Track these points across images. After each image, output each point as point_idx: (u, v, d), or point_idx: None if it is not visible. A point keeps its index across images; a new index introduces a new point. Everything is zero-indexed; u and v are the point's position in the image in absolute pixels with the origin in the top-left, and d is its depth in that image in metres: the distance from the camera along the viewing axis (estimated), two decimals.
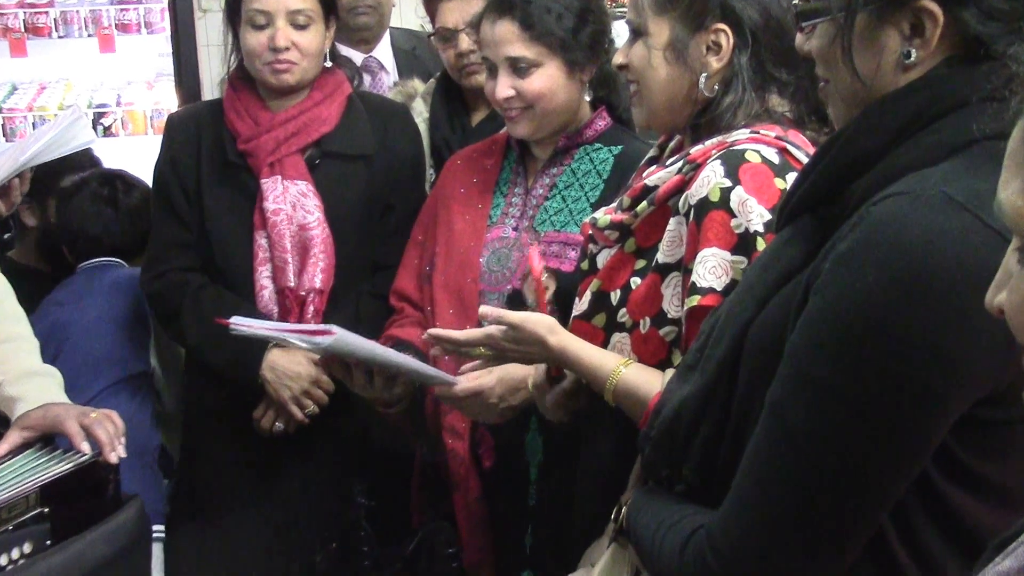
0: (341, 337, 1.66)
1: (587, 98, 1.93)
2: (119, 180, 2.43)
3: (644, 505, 1.14)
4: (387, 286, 2.14)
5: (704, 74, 1.46)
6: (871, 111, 0.98)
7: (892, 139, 0.96)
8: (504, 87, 1.87)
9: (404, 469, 2.09)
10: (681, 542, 1.03)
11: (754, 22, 1.43)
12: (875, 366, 0.89)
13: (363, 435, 2.16)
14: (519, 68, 1.86)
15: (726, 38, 1.45)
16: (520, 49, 1.84)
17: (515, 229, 1.96)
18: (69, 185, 2.41)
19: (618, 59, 1.53)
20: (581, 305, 1.54)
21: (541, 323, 1.50)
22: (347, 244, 2.14)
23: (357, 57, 2.66)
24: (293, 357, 2.09)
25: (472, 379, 1.77)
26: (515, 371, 1.75)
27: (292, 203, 2.11)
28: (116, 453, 1.67)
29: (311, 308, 2.10)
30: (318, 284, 2.10)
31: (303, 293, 2.09)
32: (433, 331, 1.62)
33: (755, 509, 0.96)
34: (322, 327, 1.69)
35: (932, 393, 0.90)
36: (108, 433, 1.67)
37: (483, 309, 1.55)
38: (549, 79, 1.86)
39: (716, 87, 1.47)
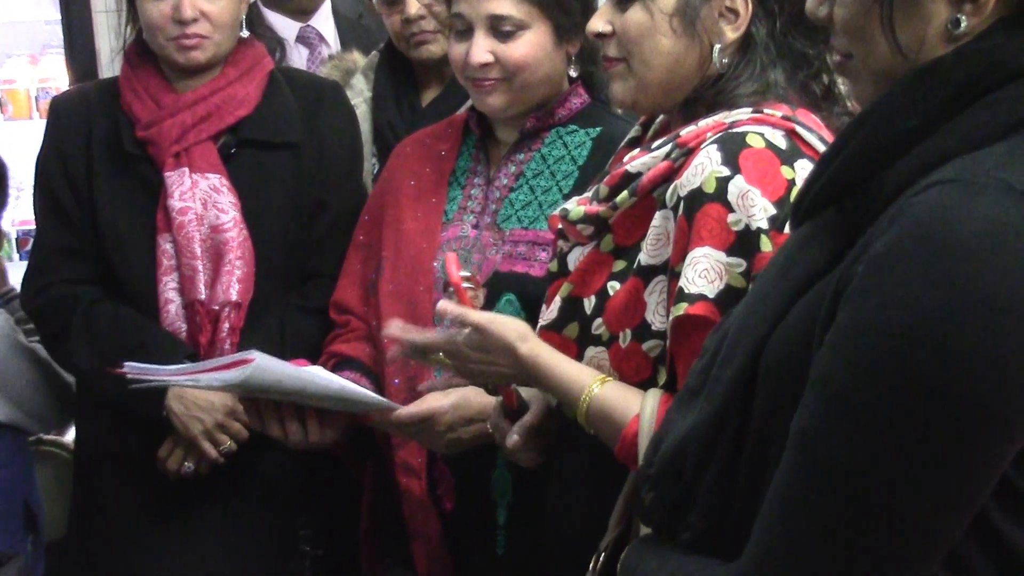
0: (261, 365, 1.63)
1: (572, 73, 1.93)
2: None
3: (644, 560, 1.12)
4: (319, 298, 2.13)
5: (718, 46, 1.46)
6: (911, 83, 0.96)
7: (936, 116, 0.95)
8: (481, 50, 1.85)
9: (357, 507, 2.10)
10: None
11: None
12: (926, 388, 0.88)
13: (303, 467, 2.14)
14: (501, 30, 1.84)
15: (744, 3, 1.45)
16: (507, 6, 1.83)
17: (475, 227, 1.95)
18: None
19: (598, 25, 1.51)
20: (549, 313, 1.54)
21: (511, 327, 1.49)
22: (269, 249, 2.13)
23: (292, 27, 2.66)
24: None
25: (422, 402, 1.76)
26: (473, 400, 1.76)
27: (202, 200, 2.10)
28: None
29: (226, 325, 2.08)
30: (234, 296, 2.08)
31: (216, 307, 2.08)
32: (389, 331, 1.62)
33: (785, 561, 0.94)
34: (240, 356, 1.66)
35: (995, 419, 0.89)
36: None
37: (442, 304, 1.54)
38: (535, 46, 1.85)
39: (726, 60, 1.46)
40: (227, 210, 2.10)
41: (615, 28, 1.49)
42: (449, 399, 1.77)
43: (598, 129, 1.93)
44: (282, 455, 2.11)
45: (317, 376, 1.76)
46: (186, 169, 2.10)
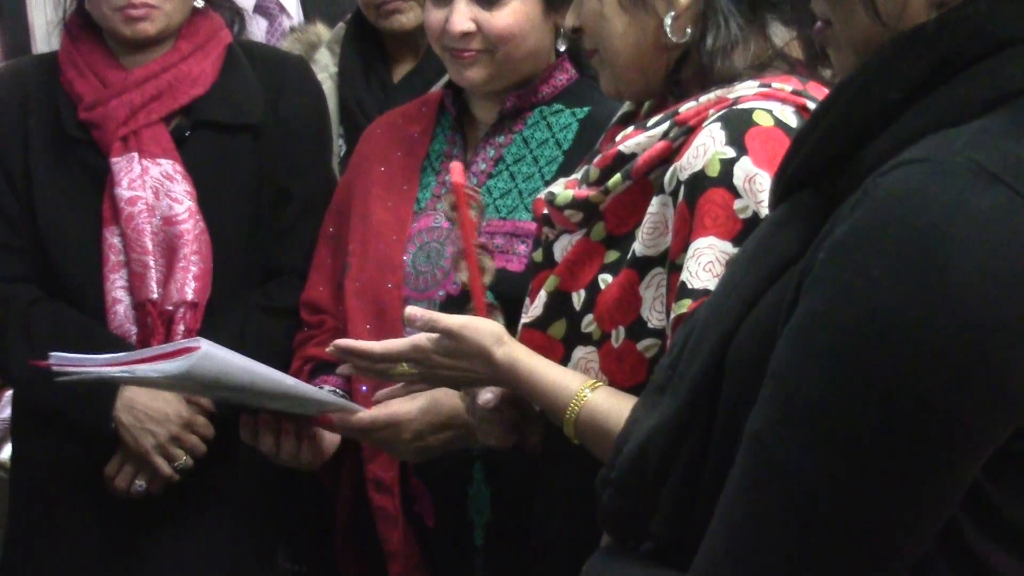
0: (208, 354, 1.61)
1: (561, 47, 1.93)
2: None
3: (604, 572, 1.13)
4: (284, 297, 2.13)
5: (671, 13, 1.47)
6: (889, 53, 0.96)
7: (915, 90, 0.95)
8: (463, 18, 1.85)
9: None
10: None
11: None
12: (883, 387, 0.87)
13: (274, 480, 2.14)
14: None
15: None
16: None
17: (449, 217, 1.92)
18: None
19: (569, 21, 1.56)
20: (533, 309, 1.54)
21: (485, 331, 1.50)
22: (229, 243, 2.13)
23: None
24: (158, 392, 2.06)
25: (387, 405, 1.76)
26: (444, 403, 1.76)
27: (154, 189, 2.09)
28: None
29: (180, 328, 2.07)
30: (190, 296, 2.07)
31: (170, 308, 2.07)
32: (341, 342, 1.61)
33: (730, 574, 0.94)
34: (184, 343, 1.65)
35: (959, 421, 0.88)
36: None
37: (409, 310, 1.54)
38: (521, 15, 1.86)
39: (689, 29, 1.47)
40: (181, 200, 2.09)
41: (581, 22, 1.53)
42: (416, 403, 1.76)
43: (585, 109, 1.93)
44: (247, 468, 2.13)
45: (270, 371, 1.74)
46: (135, 154, 2.09)
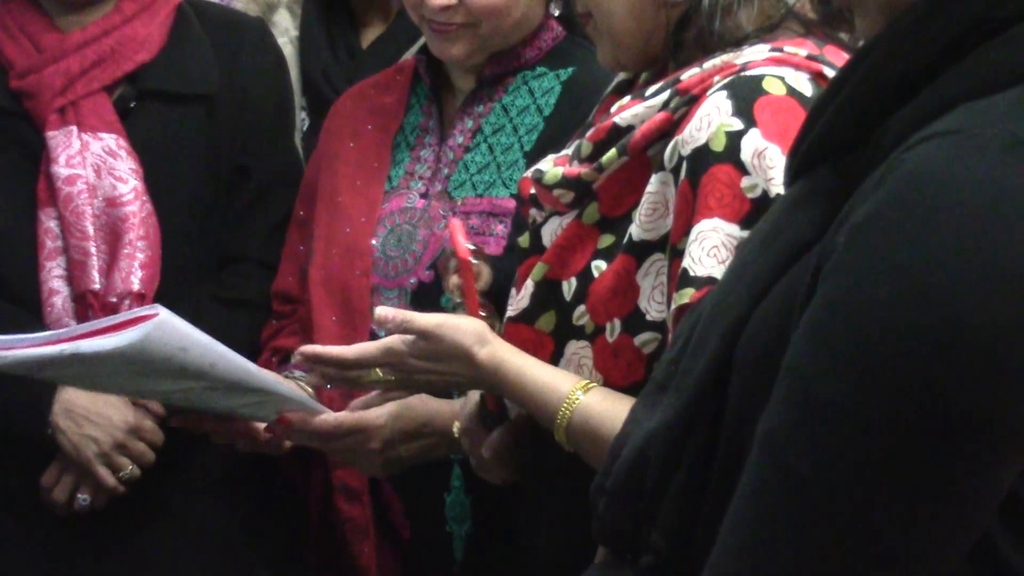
0: (165, 322, 1.57)
1: (555, 12, 1.94)
2: None
3: None
4: (242, 288, 2.13)
5: None
6: (917, 15, 0.96)
7: (944, 55, 0.95)
8: None
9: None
10: None
11: None
12: (909, 384, 0.87)
13: (235, 490, 2.15)
14: None
15: None
16: None
17: (423, 196, 1.96)
18: None
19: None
20: (519, 300, 1.54)
21: (466, 329, 1.50)
22: (180, 227, 2.12)
23: None
24: (102, 394, 2.04)
25: (354, 410, 1.75)
26: (418, 409, 1.76)
27: (95, 167, 2.08)
28: None
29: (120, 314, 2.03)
30: (136, 286, 2.06)
31: (114, 300, 2.05)
32: (308, 349, 1.61)
33: None
34: (138, 311, 1.61)
35: (999, 426, 0.88)
36: None
37: (380, 311, 1.54)
38: None
39: None
40: (126, 179, 2.08)
41: None
42: (386, 408, 1.76)
43: (569, 70, 1.93)
44: (203, 477, 2.13)
45: (231, 353, 1.71)
46: (74, 128, 2.08)
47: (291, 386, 1.83)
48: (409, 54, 2.13)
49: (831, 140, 1.02)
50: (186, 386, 1.78)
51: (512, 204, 1.83)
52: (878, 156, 0.95)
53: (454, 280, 1.62)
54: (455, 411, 1.72)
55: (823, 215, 0.99)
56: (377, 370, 1.57)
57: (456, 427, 1.68)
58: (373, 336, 1.71)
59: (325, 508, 1.99)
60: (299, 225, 2.08)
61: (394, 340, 1.53)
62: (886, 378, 0.88)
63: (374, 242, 1.95)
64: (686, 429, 1.05)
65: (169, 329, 1.60)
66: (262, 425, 1.83)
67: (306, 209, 2.07)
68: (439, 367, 1.52)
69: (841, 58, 1.46)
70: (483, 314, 1.60)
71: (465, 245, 1.61)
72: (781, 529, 0.92)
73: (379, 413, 1.76)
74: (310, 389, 1.92)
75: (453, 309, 1.64)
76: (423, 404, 1.76)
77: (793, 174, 1.07)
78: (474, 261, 1.62)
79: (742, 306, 1.03)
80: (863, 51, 1.00)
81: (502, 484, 1.64)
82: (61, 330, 1.75)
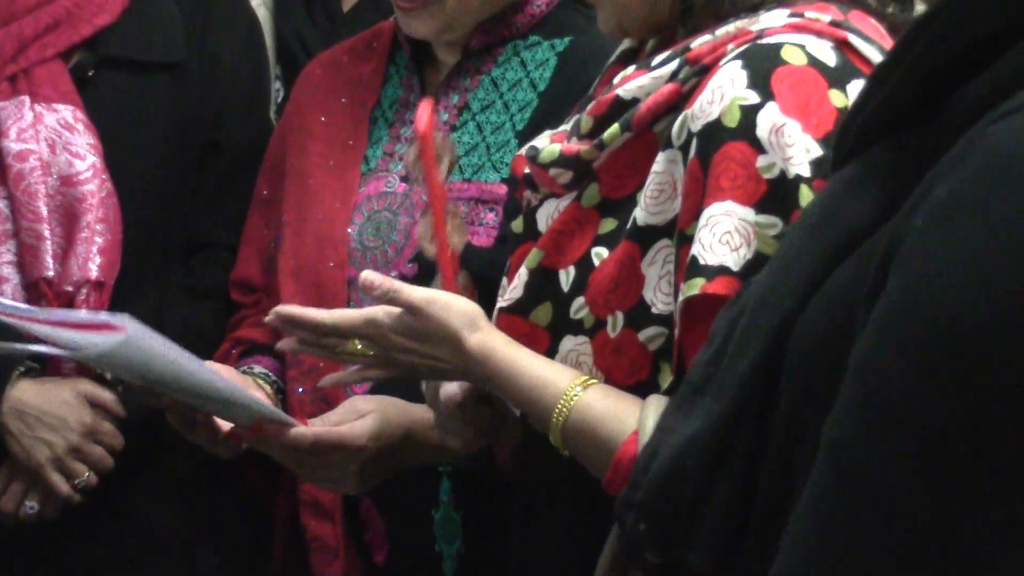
0: (135, 337, 1.56)
1: None
2: None
3: None
4: (210, 276, 2.14)
5: None
6: None
7: (1021, 20, 0.94)
8: None
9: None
10: None
11: None
12: (1003, 385, 0.87)
13: (207, 493, 2.16)
14: None
15: None
16: None
17: (405, 179, 1.95)
18: None
19: None
20: (512, 290, 1.54)
21: (458, 310, 1.50)
22: (142, 208, 2.12)
23: None
24: (55, 392, 2.06)
25: (325, 421, 1.74)
26: (397, 422, 1.75)
27: (49, 141, 2.08)
28: None
29: (83, 310, 2.03)
30: (94, 273, 2.07)
31: (70, 288, 2.06)
32: (283, 308, 1.61)
33: None
34: (103, 319, 1.60)
35: None
36: None
37: (366, 275, 1.53)
38: None
39: None
40: (83, 155, 2.09)
41: None
42: (367, 426, 1.74)
43: (566, 40, 1.92)
44: (166, 485, 2.15)
45: (201, 368, 1.71)
46: (26, 98, 2.08)
47: (262, 398, 1.82)
48: (388, 20, 2.12)
49: (892, 114, 1.01)
50: (153, 389, 1.79)
51: (503, 190, 1.84)
52: (948, 132, 0.95)
53: (412, 154, 1.61)
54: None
55: (883, 198, 1.00)
56: (356, 342, 1.56)
57: (424, 385, 1.65)
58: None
59: (293, 523, 1.99)
60: (262, 207, 2.08)
61: (378, 311, 1.52)
62: (972, 377, 0.87)
63: (350, 231, 1.95)
64: (729, 436, 1.06)
65: (135, 349, 1.59)
66: (225, 424, 1.82)
67: (270, 189, 2.06)
68: (423, 348, 1.51)
69: (868, 24, 1.46)
70: (462, 282, 1.60)
71: (427, 118, 1.59)
72: (854, 547, 0.91)
73: (360, 432, 1.74)
74: (269, 388, 1.94)
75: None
76: (403, 414, 1.76)
77: (845, 153, 1.07)
78: (440, 137, 1.62)
79: (792, 299, 1.03)
80: (926, 17, 0.99)
81: (469, 451, 1.63)
82: (35, 308, 1.76)
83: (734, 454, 1.05)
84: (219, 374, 1.75)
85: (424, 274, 1.82)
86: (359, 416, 1.75)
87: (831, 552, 0.93)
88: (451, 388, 1.56)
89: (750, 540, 1.04)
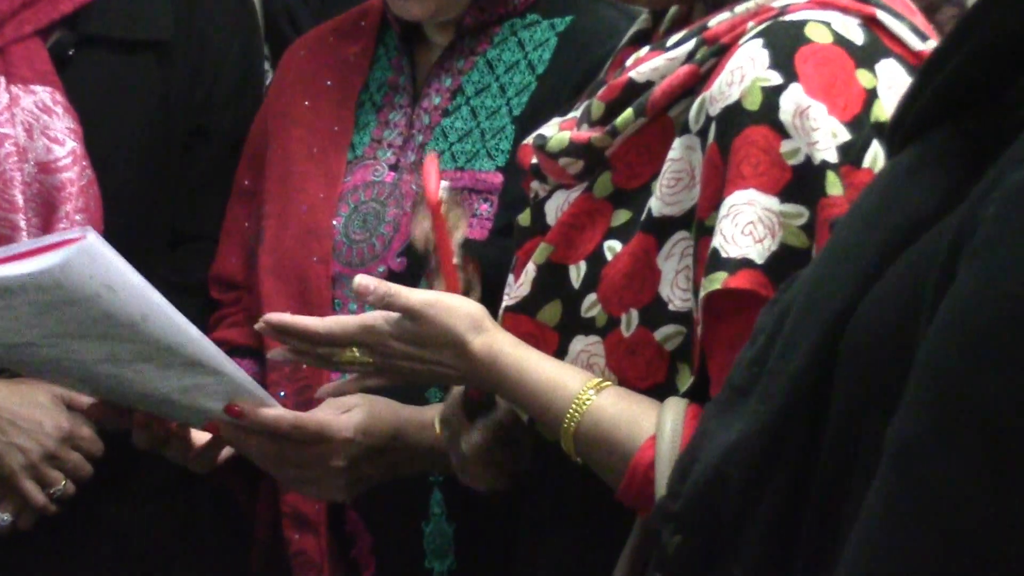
0: (90, 252, 1.52)
1: None
2: None
3: None
4: (197, 269, 2.14)
5: None
6: None
7: None
8: None
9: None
10: None
11: None
12: None
13: (187, 503, 2.17)
14: None
15: None
16: None
17: (394, 168, 1.95)
18: None
19: None
20: (519, 288, 1.54)
21: (461, 312, 1.50)
22: (125, 197, 2.12)
23: None
24: (29, 393, 2.07)
25: (318, 412, 1.72)
26: (386, 419, 1.74)
27: (26, 125, 2.08)
28: None
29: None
30: None
31: None
32: (274, 317, 1.60)
33: None
34: (62, 235, 1.57)
35: None
36: None
37: (360, 279, 1.53)
38: None
39: None
40: (62, 140, 2.09)
41: None
42: (353, 419, 1.73)
43: (567, 19, 1.91)
44: (147, 495, 2.16)
45: (171, 309, 1.65)
46: (1, 79, 2.09)
47: (237, 368, 1.77)
48: None
49: (954, 97, 1.01)
50: (114, 350, 1.71)
51: (499, 179, 1.84)
52: (1015, 117, 0.95)
53: (423, 228, 1.59)
54: (425, 421, 1.71)
55: (947, 184, 1.00)
56: (354, 349, 1.56)
57: (436, 420, 1.66)
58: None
59: (274, 536, 1.98)
60: (243, 197, 2.08)
61: (376, 317, 1.53)
62: None
63: (335, 223, 1.95)
64: (778, 440, 1.05)
65: (97, 257, 1.54)
66: (199, 435, 1.79)
67: (252, 179, 2.06)
68: (425, 354, 1.51)
69: (898, 0, 1.48)
70: (460, 274, 1.59)
71: (437, 184, 1.59)
72: (922, 555, 0.91)
73: (346, 424, 1.73)
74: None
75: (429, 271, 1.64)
76: (392, 413, 1.75)
77: (901, 138, 1.07)
78: (447, 203, 1.60)
79: (847, 293, 1.03)
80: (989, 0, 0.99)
81: (487, 492, 1.62)
82: None
83: (782, 460, 1.05)
84: (190, 324, 1.68)
85: (414, 270, 1.82)
86: (345, 410, 1.73)
87: (898, 559, 0.92)
88: (473, 437, 1.57)
89: (799, 553, 1.03)
